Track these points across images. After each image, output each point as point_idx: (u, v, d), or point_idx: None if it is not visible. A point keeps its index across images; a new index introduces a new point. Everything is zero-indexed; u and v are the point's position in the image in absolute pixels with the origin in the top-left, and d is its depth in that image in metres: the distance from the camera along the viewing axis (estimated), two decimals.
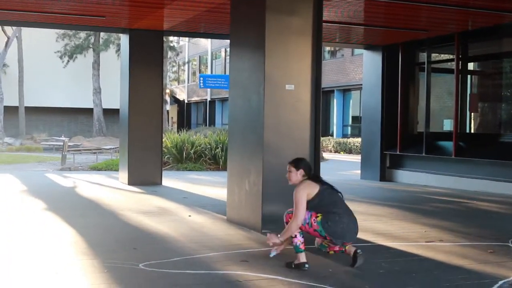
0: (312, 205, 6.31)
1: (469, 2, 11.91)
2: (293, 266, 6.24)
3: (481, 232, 8.73)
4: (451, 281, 5.90)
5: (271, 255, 6.56)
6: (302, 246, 6.24)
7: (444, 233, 8.59)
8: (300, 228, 6.28)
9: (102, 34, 38.85)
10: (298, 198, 6.26)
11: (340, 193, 6.53)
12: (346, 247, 6.43)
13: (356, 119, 35.45)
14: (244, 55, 9.15)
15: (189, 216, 9.83)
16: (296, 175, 6.47)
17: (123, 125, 15.04)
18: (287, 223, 6.44)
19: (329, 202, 6.36)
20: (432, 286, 5.72)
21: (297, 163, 6.55)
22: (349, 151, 32.07)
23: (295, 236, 6.24)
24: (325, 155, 29.59)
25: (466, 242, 7.97)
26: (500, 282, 5.86)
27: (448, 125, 16.02)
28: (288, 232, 6.25)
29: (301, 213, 6.22)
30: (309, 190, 6.31)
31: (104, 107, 40.36)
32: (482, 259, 6.93)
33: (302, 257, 6.24)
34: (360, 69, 18.40)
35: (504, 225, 9.43)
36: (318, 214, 6.31)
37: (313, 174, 6.60)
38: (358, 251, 6.32)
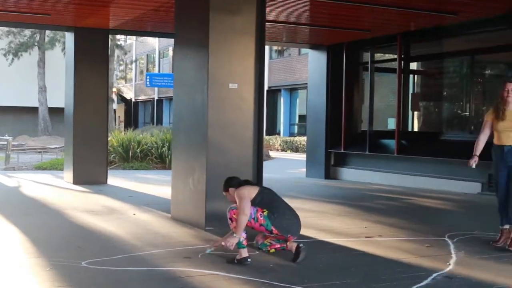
0: (254, 203, 6.47)
1: (411, 3, 12.19)
2: (235, 261, 6.35)
3: (420, 228, 8.97)
4: (388, 275, 6.09)
5: (208, 252, 6.71)
6: (245, 242, 6.37)
7: (384, 228, 8.80)
8: (246, 224, 6.40)
9: (47, 32, 38.31)
10: (240, 194, 6.43)
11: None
12: (288, 243, 6.59)
13: (303, 118, 35.72)
14: (188, 54, 9.22)
15: (134, 214, 9.85)
16: (230, 195, 6.63)
17: (68, 124, 14.93)
18: (230, 219, 6.54)
19: (270, 199, 6.57)
20: (370, 280, 5.88)
21: (225, 186, 6.72)
22: (296, 149, 32.33)
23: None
24: (272, 153, 29.78)
25: (405, 237, 8.19)
26: (434, 275, 6.07)
27: (392, 123, 16.33)
28: (240, 225, 6.32)
29: (247, 206, 6.35)
30: (248, 189, 6.51)
31: (49, 105, 39.80)
32: (419, 253, 7.14)
33: (244, 252, 6.37)
34: (307, 68, 18.56)
35: (442, 221, 9.71)
36: (264, 209, 6.47)
37: (246, 181, 6.79)
38: (301, 245, 6.49)
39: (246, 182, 6.73)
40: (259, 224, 6.47)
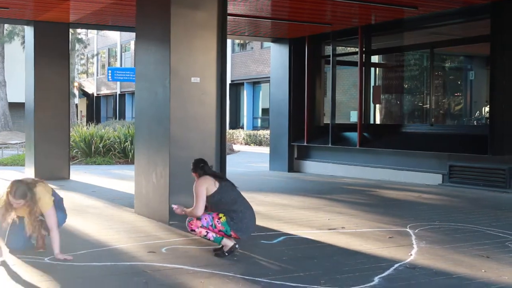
0: (212, 201, 6.51)
1: None
2: (226, 254, 6.44)
3: (382, 219, 9.08)
4: (350, 265, 6.16)
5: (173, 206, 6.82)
6: (218, 234, 6.47)
7: (347, 220, 8.89)
8: (203, 230, 6.49)
9: (6, 25, 37.77)
10: (197, 192, 6.49)
11: (234, 185, 6.76)
12: (225, 240, 6.56)
13: (266, 111, 35.82)
14: (149, 48, 9.19)
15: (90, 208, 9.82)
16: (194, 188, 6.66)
17: (29, 119, 14.77)
18: (192, 230, 6.58)
19: (229, 199, 6.54)
20: (332, 271, 5.95)
21: (192, 168, 6.77)
22: (259, 143, 32.40)
23: (207, 233, 6.48)
24: (236, 147, 29.83)
25: (367, 229, 8.28)
26: (397, 265, 6.16)
27: (354, 116, 16.45)
28: (190, 214, 6.55)
29: (201, 205, 6.45)
30: (207, 185, 6.52)
31: (9, 100, 39.25)
32: (381, 244, 7.24)
33: (228, 242, 6.47)
34: (269, 61, 18.61)
35: (404, 212, 9.82)
36: (220, 215, 6.49)
37: (211, 172, 6.76)
38: (237, 246, 6.54)
39: (209, 173, 6.68)
40: (218, 230, 6.49)
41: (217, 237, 6.48)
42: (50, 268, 5.93)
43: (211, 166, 6.85)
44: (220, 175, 6.89)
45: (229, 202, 6.52)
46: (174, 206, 6.73)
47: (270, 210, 9.89)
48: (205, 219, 6.49)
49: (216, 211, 6.53)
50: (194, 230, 6.56)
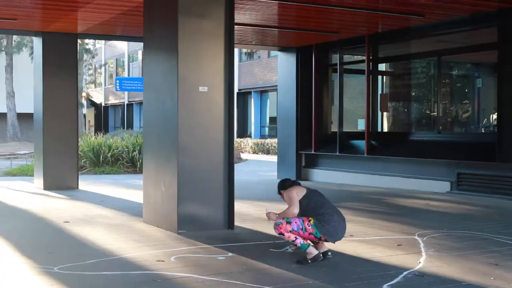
0: (301, 206, 6.69)
1: (377, 5, 12.32)
2: (309, 261, 6.54)
3: (390, 227, 9.08)
4: (359, 273, 6.17)
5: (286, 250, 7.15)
6: (305, 242, 6.61)
7: (355, 228, 8.87)
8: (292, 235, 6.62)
9: (14, 36, 37.99)
10: (289, 195, 6.76)
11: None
12: (319, 244, 6.78)
13: (273, 120, 35.85)
14: (157, 58, 9.24)
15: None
16: (283, 196, 6.97)
17: (37, 129, 14.84)
18: (281, 233, 6.69)
19: (317, 204, 6.69)
20: (342, 279, 5.95)
21: (278, 189, 7.06)
22: (267, 151, 32.41)
23: (296, 239, 6.61)
24: (244, 156, 29.84)
25: (376, 237, 8.28)
26: (405, 273, 6.17)
27: (362, 124, 16.43)
28: (285, 215, 6.71)
29: (295, 205, 6.67)
30: (297, 190, 6.78)
31: (18, 111, 39.49)
32: (390, 252, 7.24)
33: (313, 250, 6.60)
34: (277, 70, 18.65)
35: (412, 220, 9.81)
36: (310, 218, 6.61)
37: (294, 181, 7.05)
38: (321, 255, 6.67)
39: (295, 183, 6.98)
40: (308, 233, 6.61)
41: (304, 244, 6.61)
42: (60, 278, 5.95)
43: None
44: (303, 185, 7.05)
45: (316, 206, 6.66)
46: (268, 211, 6.99)
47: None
48: (295, 222, 6.62)
49: (305, 216, 6.66)
50: (283, 234, 6.68)
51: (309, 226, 6.57)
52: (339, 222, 6.66)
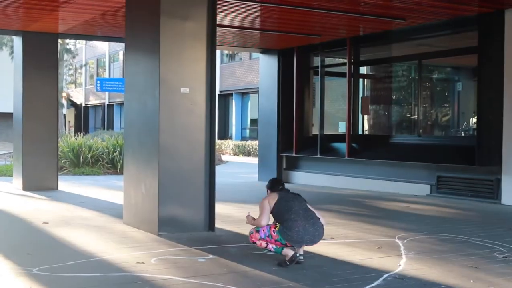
0: (273, 213, 6.74)
1: (359, 8, 12.36)
2: (287, 263, 6.51)
3: (370, 229, 9.10)
4: (339, 276, 6.18)
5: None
6: (278, 245, 6.63)
7: (336, 231, 8.89)
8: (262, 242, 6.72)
9: None
10: (261, 205, 6.79)
11: (301, 198, 6.91)
12: (285, 249, 6.68)
13: (254, 122, 35.88)
14: (139, 59, 9.20)
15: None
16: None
17: (17, 129, 14.73)
18: (254, 242, 6.82)
19: (285, 209, 6.67)
20: (321, 281, 5.96)
21: (270, 186, 7.06)
22: (248, 153, 32.42)
23: (267, 245, 6.69)
24: (225, 157, 29.81)
25: (356, 239, 8.30)
26: (386, 275, 6.18)
27: (343, 127, 16.49)
28: (255, 224, 6.80)
29: (264, 217, 6.72)
30: (270, 198, 6.79)
31: None
32: (370, 254, 7.26)
33: (289, 252, 6.56)
34: (258, 72, 18.66)
35: (392, 223, 9.84)
36: (276, 225, 6.66)
37: (278, 185, 7.05)
38: (298, 255, 6.64)
39: (277, 187, 6.98)
40: (274, 240, 6.65)
41: (277, 248, 6.65)
42: (39, 279, 5.90)
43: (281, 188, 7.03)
44: (282, 188, 7.04)
45: (283, 212, 6.65)
46: (248, 214, 7.01)
47: None
48: (263, 230, 6.72)
49: (279, 221, 6.70)
50: (255, 243, 6.79)
51: (274, 233, 6.62)
52: (304, 227, 6.53)
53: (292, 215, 6.59)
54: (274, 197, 6.77)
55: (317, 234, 6.64)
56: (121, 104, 51.09)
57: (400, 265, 6.68)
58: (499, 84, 12.17)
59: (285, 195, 6.82)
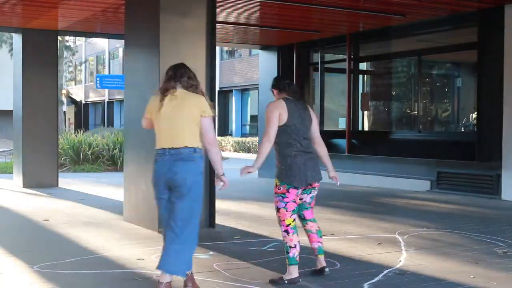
0: (278, 131, 5.88)
1: (359, 4, 12.37)
2: (286, 282, 5.69)
3: (371, 225, 9.10)
4: (340, 272, 6.18)
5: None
6: (298, 259, 5.77)
7: (336, 227, 8.91)
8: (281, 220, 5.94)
9: None
10: (268, 117, 5.87)
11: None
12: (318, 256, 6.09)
13: (254, 118, 35.82)
14: (139, 55, 9.19)
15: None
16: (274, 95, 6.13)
17: (17, 126, 14.72)
18: (285, 230, 5.89)
19: (291, 136, 5.94)
20: (322, 277, 5.95)
21: (272, 85, 6.27)
22: (248, 150, 32.39)
23: (294, 246, 5.76)
24: (225, 154, 29.80)
25: (356, 235, 8.31)
26: (386, 271, 6.19)
27: (343, 123, 16.49)
28: (261, 155, 5.86)
29: (272, 131, 5.81)
30: (280, 109, 5.88)
31: None
32: (371, 250, 7.26)
33: (295, 271, 5.74)
34: (258, 69, 18.64)
35: (393, 218, 9.84)
36: (276, 182, 6.03)
37: (287, 86, 6.16)
38: (326, 269, 6.04)
39: (286, 86, 6.11)
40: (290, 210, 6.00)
41: (295, 258, 5.73)
42: (40, 276, 5.91)
43: None
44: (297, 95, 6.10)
45: (287, 141, 5.93)
46: (241, 169, 6.00)
47: (260, 217, 9.90)
48: (277, 202, 6.05)
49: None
50: (287, 232, 5.87)
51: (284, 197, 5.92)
52: (304, 163, 5.91)
53: (294, 151, 5.93)
54: (283, 108, 5.85)
55: (318, 168, 6.13)
56: (121, 101, 51.07)
57: (400, 260, 6.69)
58: (499, 80, 12.16)
59: (294, 112, 5.93)
